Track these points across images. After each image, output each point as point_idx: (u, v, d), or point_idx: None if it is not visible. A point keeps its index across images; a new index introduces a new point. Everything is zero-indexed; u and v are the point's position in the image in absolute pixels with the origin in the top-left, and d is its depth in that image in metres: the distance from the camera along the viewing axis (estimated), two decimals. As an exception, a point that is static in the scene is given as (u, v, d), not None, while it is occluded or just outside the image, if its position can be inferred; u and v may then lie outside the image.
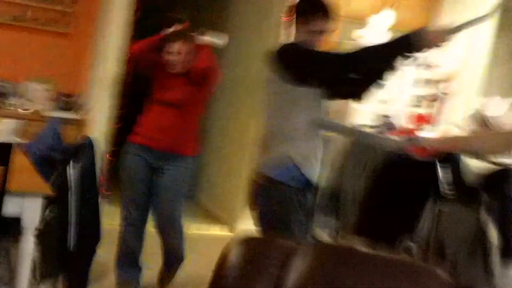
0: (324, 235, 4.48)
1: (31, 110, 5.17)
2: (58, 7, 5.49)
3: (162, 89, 3.84)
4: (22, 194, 2.86)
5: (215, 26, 6.45)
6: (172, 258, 3.99)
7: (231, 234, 5.52)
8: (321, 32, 3.00)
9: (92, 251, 3.36)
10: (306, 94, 2.95)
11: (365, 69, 2.96)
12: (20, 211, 2.89)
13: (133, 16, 5.08)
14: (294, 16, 3.05)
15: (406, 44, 2.74)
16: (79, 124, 5.12)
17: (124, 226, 3.92)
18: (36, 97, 5.18)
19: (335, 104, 3.42)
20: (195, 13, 7.15)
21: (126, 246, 3.93)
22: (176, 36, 3.74)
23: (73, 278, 3.27)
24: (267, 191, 3.02)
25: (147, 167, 3.83)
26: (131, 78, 5.35)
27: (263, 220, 3.08)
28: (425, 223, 3.63)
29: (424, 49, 2.73)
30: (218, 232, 5.58)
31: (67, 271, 3.25)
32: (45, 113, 5.14)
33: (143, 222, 3.93)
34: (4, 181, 2.70)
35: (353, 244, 2.06)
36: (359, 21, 5.95)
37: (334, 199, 4.35)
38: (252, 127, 5.38)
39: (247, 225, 5.35)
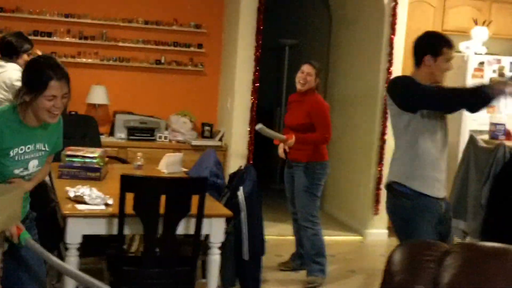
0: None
1: (182, 140, 5.89)
2: (191, 49, 6.24)
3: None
4: (209, 216, 3.47)
5: (321, 51, 7.01)
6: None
7: (361, 238, 5.97)
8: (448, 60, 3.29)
9: (260, 260, 4.00)
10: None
11: (446, 106, 3.22)
12: (209, 230, 3.55)
13: (256, 54, 5.62)
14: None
15: (479, 93, 3.09)
16: (222, 149, 5.80)
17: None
18: (182, 128, 5.86)
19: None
20: (303, 40, 7.74)
21: None
22: None
23: (248, 284, 3.91)
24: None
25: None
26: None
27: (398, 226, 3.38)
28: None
29: (496, 98, 3.05)
30: (350, 237, 6.01)
31: (243, 277, 3.89)
32: (192, 142, 5.85)
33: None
34: (202, 207, 3.35)
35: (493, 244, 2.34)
36: (463, 33, 6.28)
37: (461, 204, 4.71)
38: (374, 139, 5.91)
39: (376, 231, 5.90)
